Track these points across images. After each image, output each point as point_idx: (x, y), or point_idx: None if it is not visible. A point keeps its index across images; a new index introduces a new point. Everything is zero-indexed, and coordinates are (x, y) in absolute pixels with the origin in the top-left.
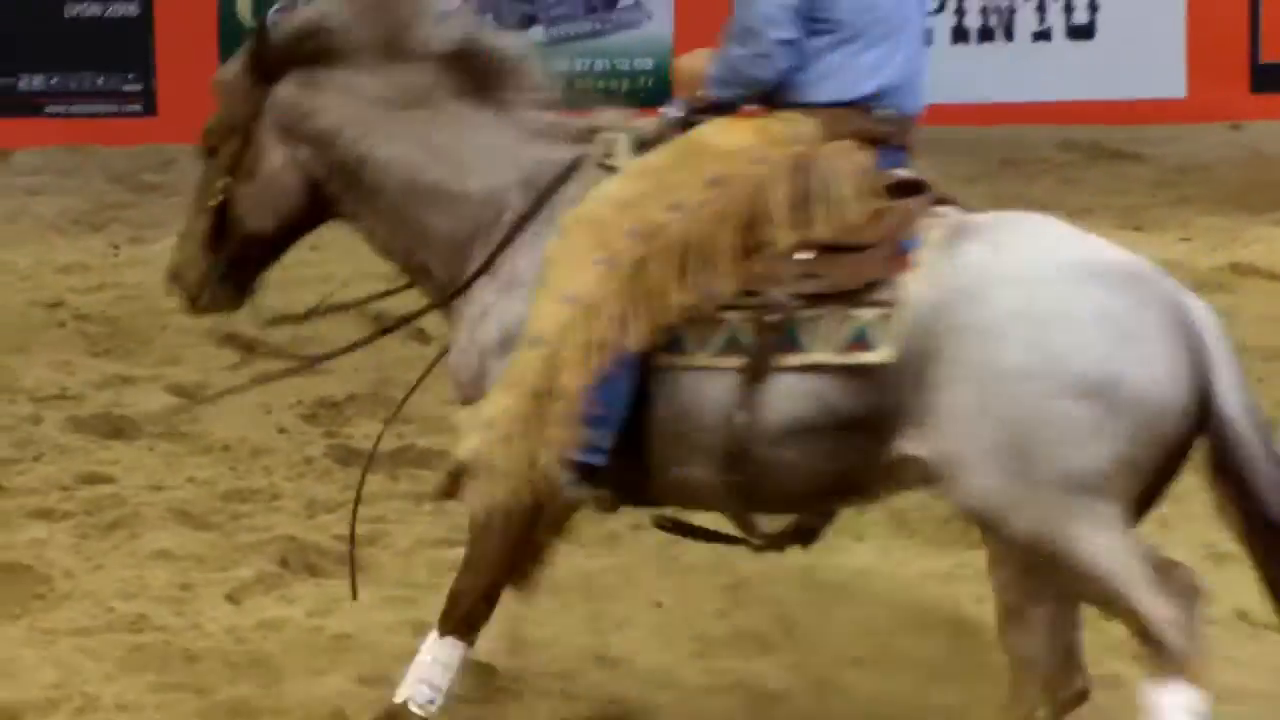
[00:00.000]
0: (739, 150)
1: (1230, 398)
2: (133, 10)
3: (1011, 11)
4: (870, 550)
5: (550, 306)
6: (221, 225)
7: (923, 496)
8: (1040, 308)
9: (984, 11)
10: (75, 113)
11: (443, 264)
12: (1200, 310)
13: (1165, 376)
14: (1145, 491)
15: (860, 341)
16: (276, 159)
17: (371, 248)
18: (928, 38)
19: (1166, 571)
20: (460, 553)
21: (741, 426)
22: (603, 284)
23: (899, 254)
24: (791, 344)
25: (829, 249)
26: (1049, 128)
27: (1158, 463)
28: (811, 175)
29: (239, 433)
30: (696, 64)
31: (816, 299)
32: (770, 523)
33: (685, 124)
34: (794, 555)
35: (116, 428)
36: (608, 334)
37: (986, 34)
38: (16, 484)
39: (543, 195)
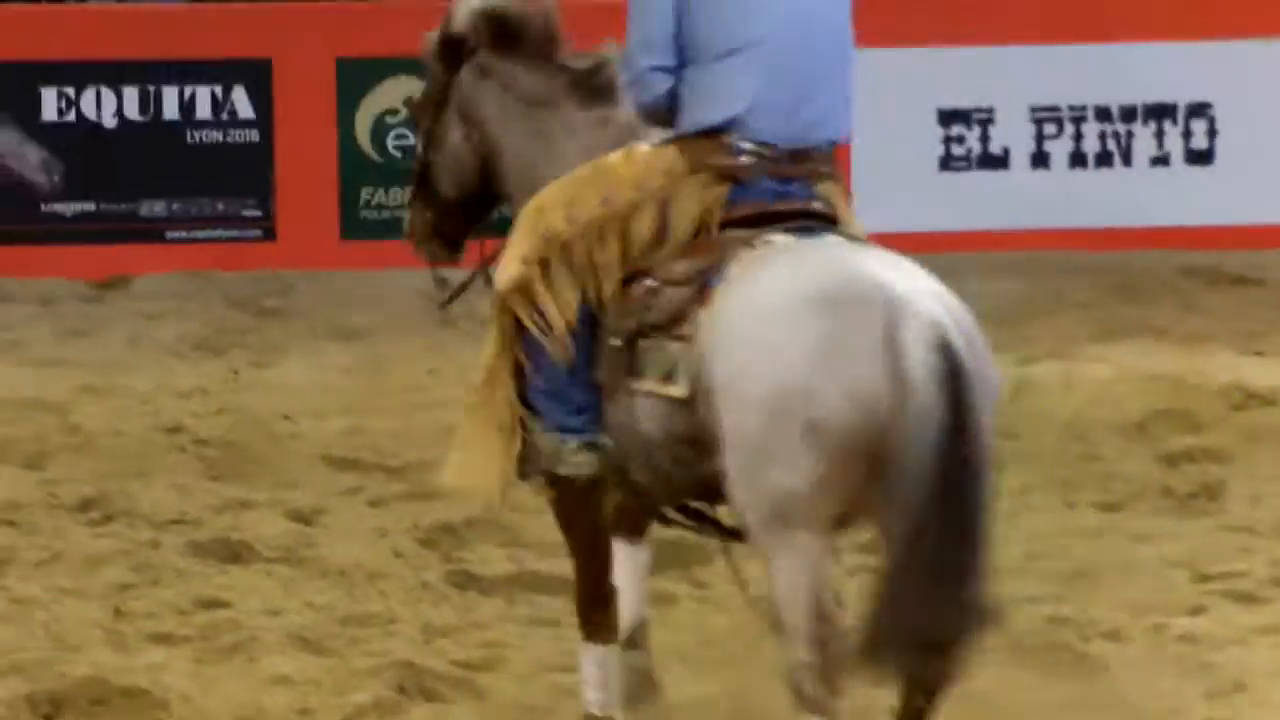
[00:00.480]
0: (628, 177)
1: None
2: (254, 137)
3: (1130, 136)
4: (987, 678)
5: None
6: (425, 188)
7: (1040, 623)
8: (761, 338)
9: (1102, 136)
10: (196, 238)
11: None
12: (920, 327)
13: (862, 397)
14: (846, 512)
15: (670, 375)
16: (456, 137)
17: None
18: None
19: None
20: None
21: (641, 436)
22: (517, 277)
23: (704, 288)
24: (636, 370)
25: (665, 282)
26: (1168, 252)
27: (856, 482)
28: (667, 209)
29: (355, 557)
30: None
31: (650, 330)
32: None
33: None
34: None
35: (234, 552)
36: (528, 320)
37: (1104, 159)
38: (134, 608)
39: None
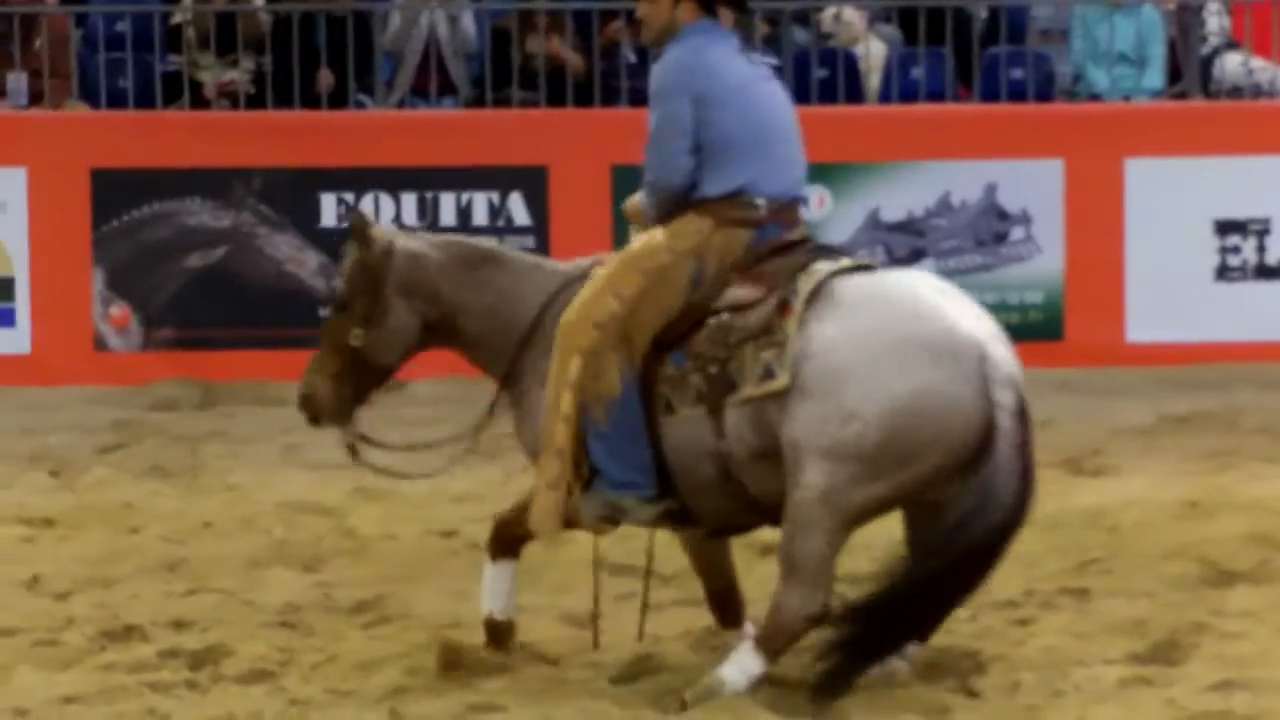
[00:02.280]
0: (654, 246)
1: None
2: (530, 243)
3: None
4: None
5: (551, 387)
6: (354, 363)
7: None
8: (876, 368)
9: None
10: None
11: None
12: (1003, 377)
13: (957, 431)
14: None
15: (770, 372)
16: (400, 309)
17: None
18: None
19: None
20: None
21: (722, 455)
22: (578, 367)
23: (784, 305)
24: (731, 386)
25: (735, 309)
26: None
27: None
28: (703, 257)
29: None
30: (635, 201)
31: (742, 344)
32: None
33: None
34: None
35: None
36: (589, 403)
37: None
38: (413, 711)
39: (542, 309)
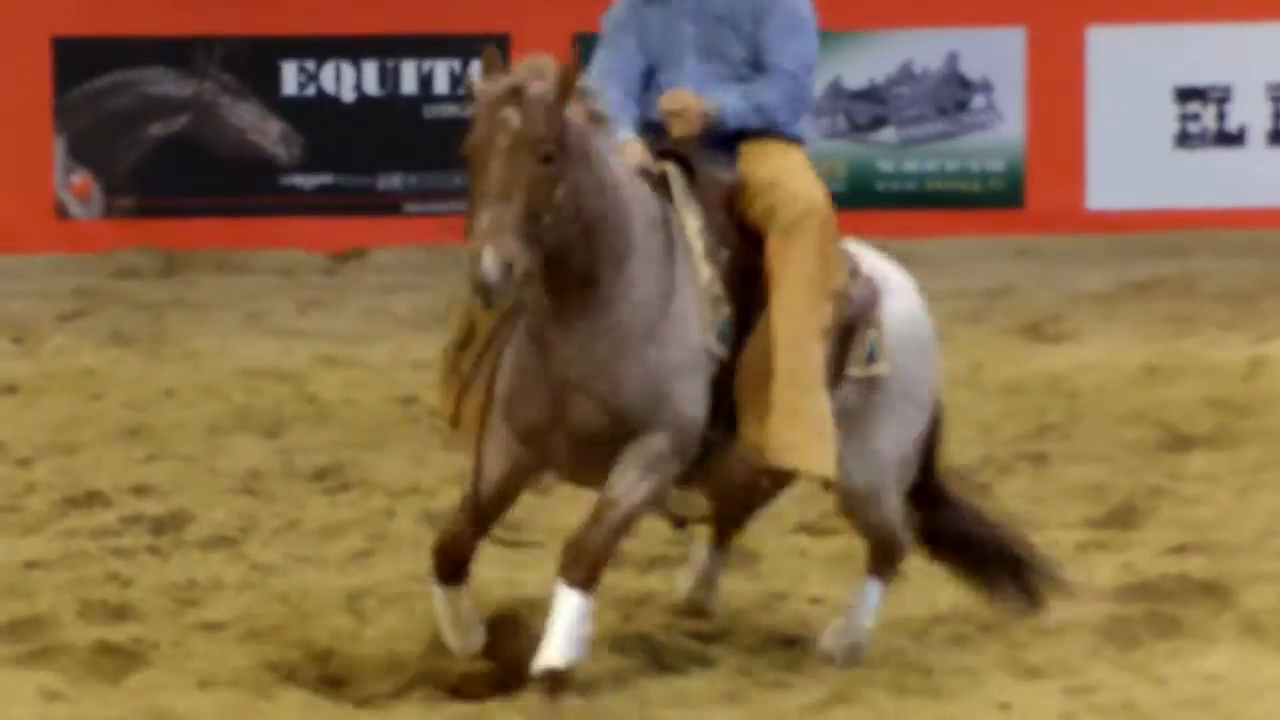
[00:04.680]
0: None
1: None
2: None
3: None
4: (1221, 656)
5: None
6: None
7: (1276, 601)
8: (928, 352)
9: None
10: (433, 212)
11: None
12: None
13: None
14: None
15: (872, 358)
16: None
17: None
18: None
19: None
20: None
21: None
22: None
23: (871, 283)
24: (848, 360)
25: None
26: None
27: None
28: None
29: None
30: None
31: (851, 323)
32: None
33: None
34: (1144, 655)
35: None
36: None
37: None
38: (371, 577)
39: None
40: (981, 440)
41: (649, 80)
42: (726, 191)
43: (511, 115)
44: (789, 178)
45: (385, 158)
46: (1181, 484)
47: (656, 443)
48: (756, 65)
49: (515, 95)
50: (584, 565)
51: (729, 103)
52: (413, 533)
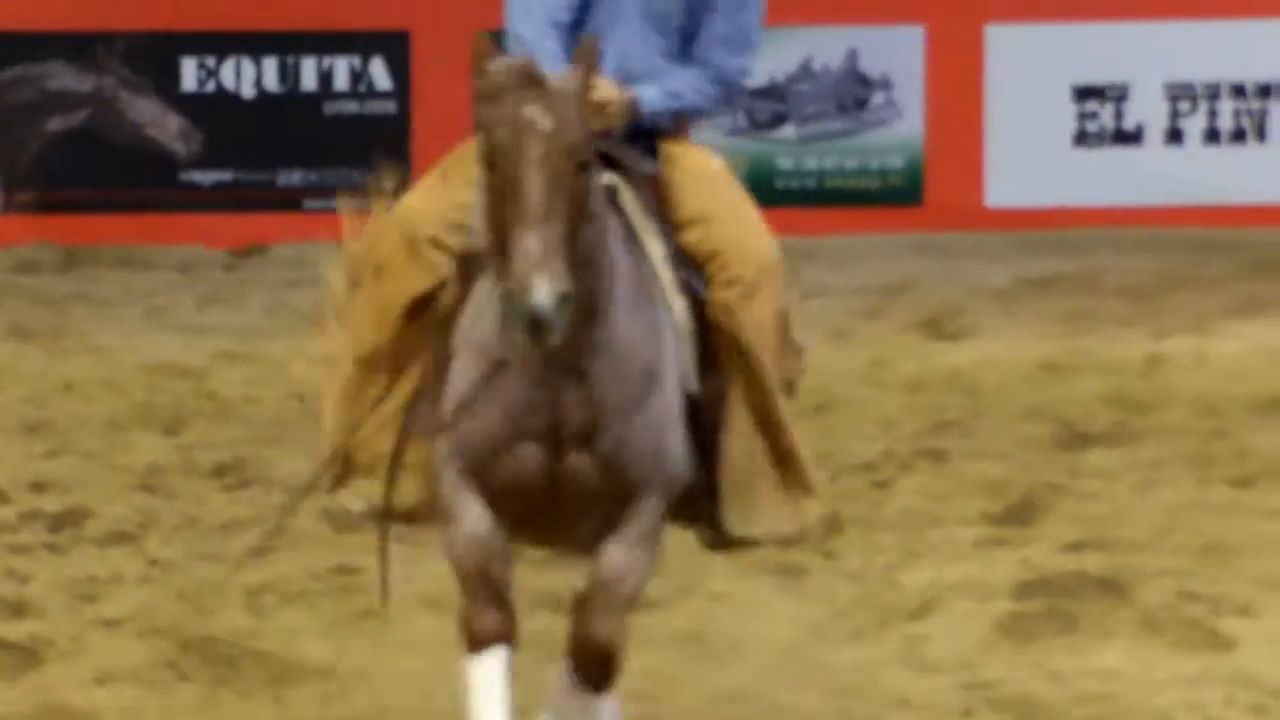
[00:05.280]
0: None
1: None
2: (391, 108)
3: (1264, 113)
4: (1117, 652)
5: None
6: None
7: (1172, 597)
8: None
9: (1236, 114)
10: (333, 208)
11: None
12: None
13: None
14: None
15: None
16: None
17: None
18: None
19: None
20: None
21: None
22: None
23: None
24: None
25: None
26: None
27: None
28: None
29: None
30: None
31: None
32: None
33: None
34: (1042, 651)
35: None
36: None
37: (1239, 136)
38: (270, 573)
39: None
40: (882, 436)
41: (574, 31)
42: (651, 189)
43: (539, 115)
44: (732, 223)
45: (285, 154)
46: (1080, 480)
47: (653, 507)
48: (690, 39)
49: (539, 90)
50: (607, 666)
51: (649, 97)
52: (313, 529)
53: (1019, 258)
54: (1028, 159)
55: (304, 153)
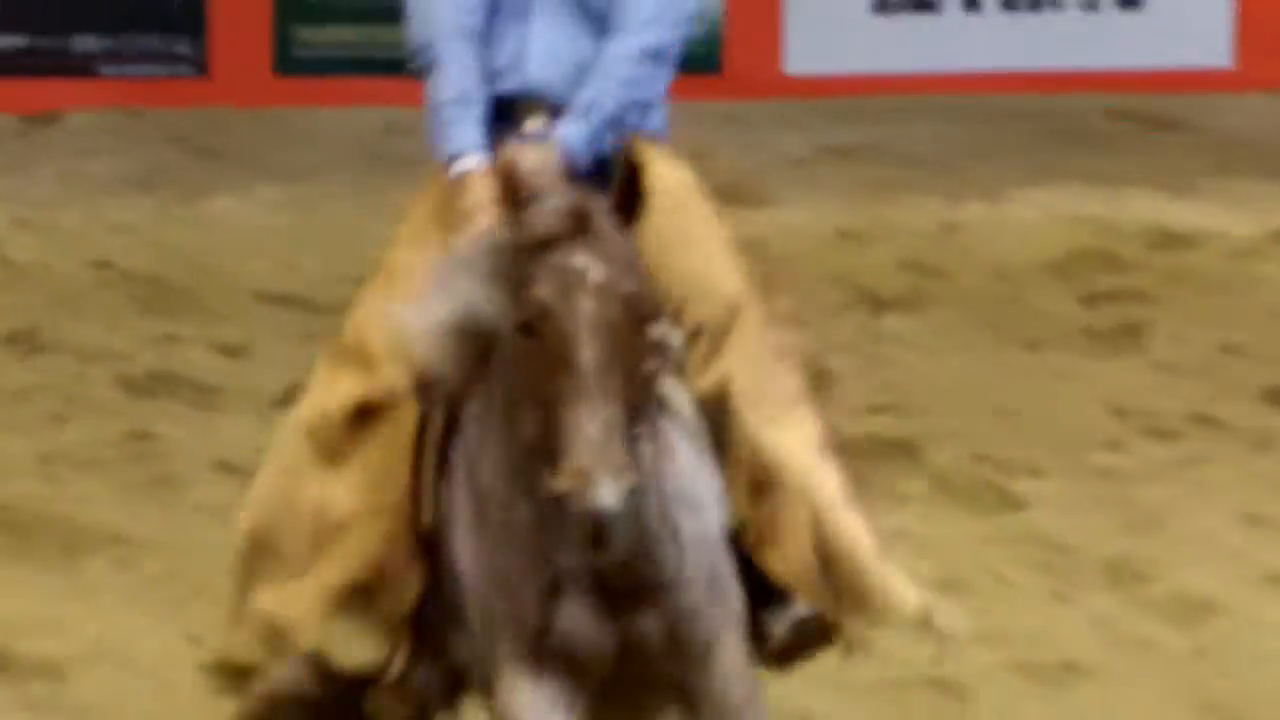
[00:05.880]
0: None
1: None
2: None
3: None
4: (910, 513)
5: None
6: None
7: (964, 458)
8: None
9: None
10: (128, 74)
11: None
12: None
13: None
14: None
15: None
16: None
17: None
18: None
19: None
20: None
21: None
22: None
23: None
24: None
25: None
26: (1095, 96)
27: None
28: None
29: (282, 390)
30: None
31: None
32: None
33: None
34: None
35: (163, 385)
36: None
37: (1035, 3)
38: (63, 440)
39: None
40: None
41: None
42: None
43: (590, 265)
44: (689, 254)
45: (79, 19)
46: (875, 345)
47: (736, 652)
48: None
49: (583, 228)
50: None
51: (572, 137)
52: (105, 397)
53: (818, 126)
54: (826, 26)
55: (98, 18)
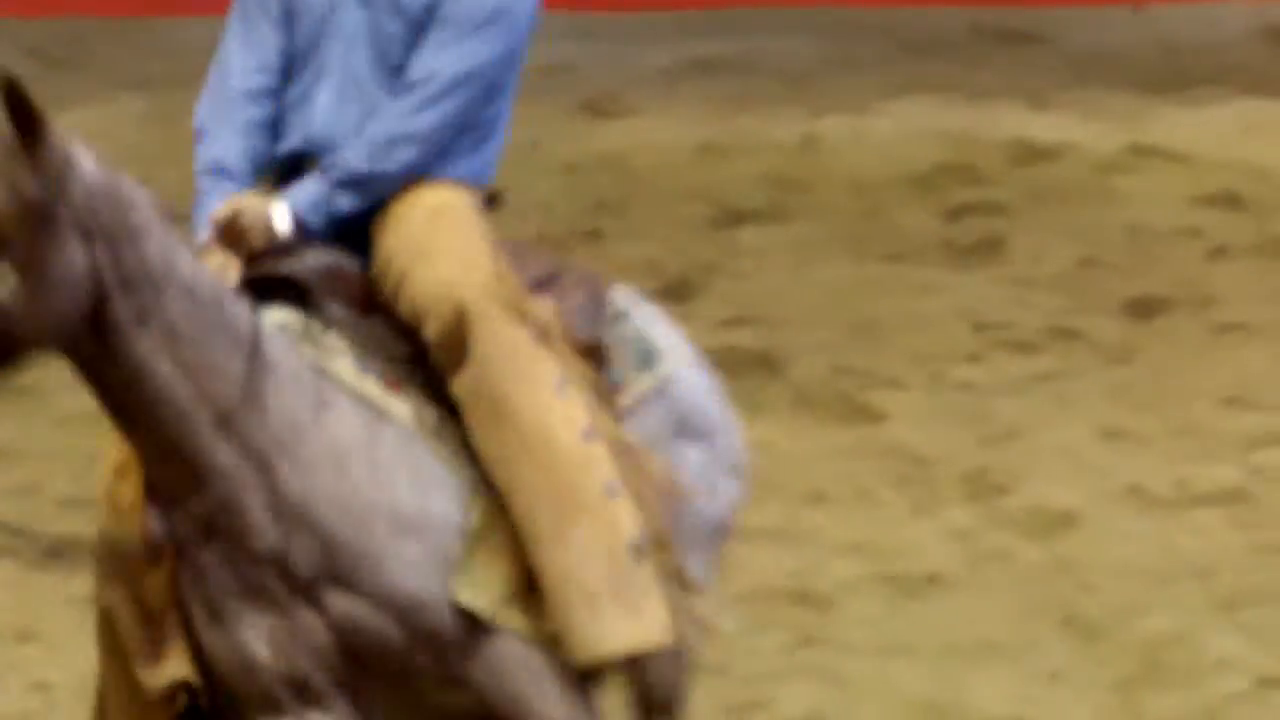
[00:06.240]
0: None
1: None
2: None
3: None
4: (771, 426)
5: None
6: None
7: (825, 372)
8: None
9: None
10: None
11: None
12: None
13: None
14: None
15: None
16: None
17: None
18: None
19: None
20: None
21: None
22: None
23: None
24: None
25: None
26: (953, 10)
27: None
28: None
29: None
30: None
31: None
32: None
33: None
34: None
35: None
36: None
37: None
38: None
39: None
40: (538, 218)
41: (289, 77)
42: (361, 286)
43: None
44: (421, 257)
45: None
46: (735, 259)
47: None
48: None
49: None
50: None
51: (296, 197)
52: None
53: (679, 38)
54: None
55: None
